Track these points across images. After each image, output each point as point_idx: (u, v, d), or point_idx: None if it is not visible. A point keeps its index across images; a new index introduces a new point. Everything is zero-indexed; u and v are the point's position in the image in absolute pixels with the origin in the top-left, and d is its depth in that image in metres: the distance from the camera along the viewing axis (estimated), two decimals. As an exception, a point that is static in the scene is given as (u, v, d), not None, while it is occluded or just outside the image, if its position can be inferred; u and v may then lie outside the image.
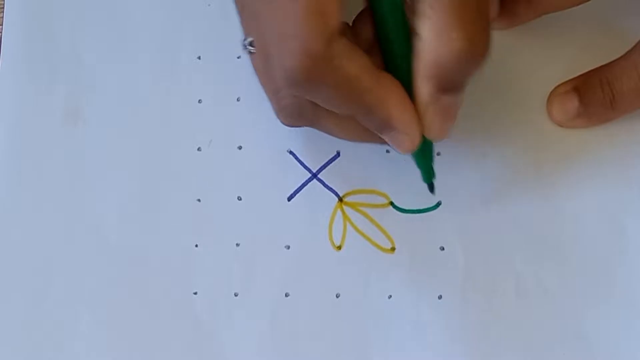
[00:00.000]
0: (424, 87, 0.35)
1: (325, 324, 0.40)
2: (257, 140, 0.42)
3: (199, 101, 0.43)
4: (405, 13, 0.35)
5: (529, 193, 0.41)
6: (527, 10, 0.41)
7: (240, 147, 0.42)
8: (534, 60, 0.42)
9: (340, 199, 0.41)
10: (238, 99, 0.43)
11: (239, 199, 0.42)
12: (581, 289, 0.40)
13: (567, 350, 0.39)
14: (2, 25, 0.44)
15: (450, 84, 0.35)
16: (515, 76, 0.42)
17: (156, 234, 0.41)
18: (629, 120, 0.41)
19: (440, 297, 0.40)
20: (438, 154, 0.42)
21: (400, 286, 0.40)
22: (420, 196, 0.41)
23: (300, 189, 0.41)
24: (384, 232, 0.41)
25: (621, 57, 0.40)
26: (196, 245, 0.41)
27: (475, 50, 0.33)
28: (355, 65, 0.33)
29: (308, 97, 0.35)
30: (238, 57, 0.43)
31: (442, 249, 0.41)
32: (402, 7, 0.35)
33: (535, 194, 0.41)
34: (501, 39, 0.43)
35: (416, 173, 0.39)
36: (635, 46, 0.40)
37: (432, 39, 0.33)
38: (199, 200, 0.42)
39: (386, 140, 0.37)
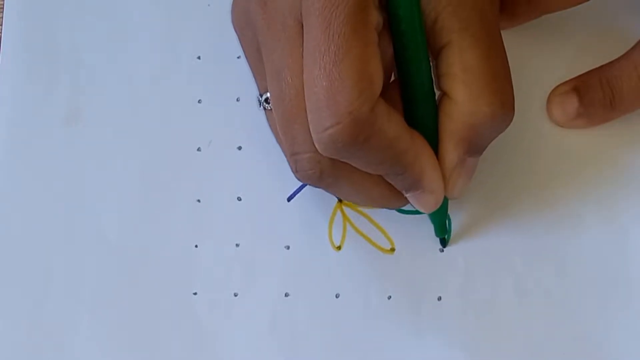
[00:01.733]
0: (453, 149, 0.35)
1: (325, 324, 0.40)
2: (257, 140, 0.42)
3: (199, 101, 0.43)
4: (431, 72, 0.35)
5: (528, 193, 0.41)
6: (527, 10, 0.41)
7: (240, 148, 0.42)
8: (534, 60, 0.42)
9: (340, 199, 0.41)
10: (238, 99, 0.43)
11: (239, 199, 0.42)
12: (581, 290, 0.40)
13: (567, 350, 0.39)
14: (1, 25, 0.44)
15: (479, 147, 0.36)
16: (515, 76, 0.42)
17: (156, 234, 0.41)
18: (629, 120, 0.41)
19: (439, 298, 0.40)
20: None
21: (400, 286, 0.40)
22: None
23: (300, 189, 0.41)
24: (384, 232, 0.41)
25: (621, 57, 0.40)
26: (196, 246, 0.41)
27: (506, 114, 0.34)
28: (395, 127, 0.33)
29: (345, 160, 0.34)
30: (238, 57, 0.43)
31: (442, 249, 0.41)
32: (429, 65, 0.35)
33: (535, 194, 0.41)
34: (501, 39, 0.43)
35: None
36: (635, 46, 0.40)
37: (468, 103, 0.34)
38: (198, 200, 0.42)
39: (409, 199, 0.37)
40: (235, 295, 0.41)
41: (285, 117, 0.35)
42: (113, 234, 0.41)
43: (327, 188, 0.37)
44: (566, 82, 0.41)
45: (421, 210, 0.37)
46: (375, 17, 0.33)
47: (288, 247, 0.41)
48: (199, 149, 0.42)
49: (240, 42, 0.38)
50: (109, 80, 0.43)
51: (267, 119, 0.39)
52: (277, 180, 0.41)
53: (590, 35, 0.43)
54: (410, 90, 0.35)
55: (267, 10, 0.35)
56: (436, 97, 0.35)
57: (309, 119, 0.33)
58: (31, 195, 0.42)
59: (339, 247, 0.41)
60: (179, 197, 0.42)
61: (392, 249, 0.41)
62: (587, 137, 0.42)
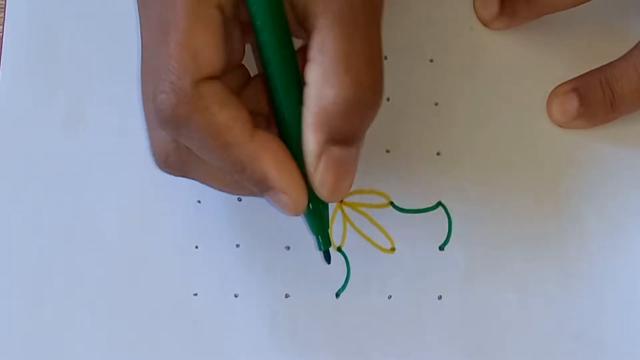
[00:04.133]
0: (311, 137, 0.32)
1: (325, 325, 0.40)
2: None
3: (199, 102, 0.43)
4: (295, 66, 0.34)
5: (528, 193, 0.41)
6: (527, 11, 0.41)
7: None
8: (534, 60, 0.42)
9: (340, 199, 0.41)
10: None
11: (239, 199, 0.42)
12: (581, 289, 0.40)
13: (567, 350, 0.39)
14: (2, 25, 0.44)
15: (341, 134, 0.32)
16: (515, 76, 0.42)
17: (156, 235, 0.41)
18: (629, 120, 0.41)
19: (440, 297, 0.40)
20: (438, 153, 0.42)
21: (400, 286, 0.40)
22: (420, 196, 0.41)
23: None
24: (384, 232, 0.41)
25: (621, 57, 0.40)
26: (196, 247, 0.41)
27: (363, 96, 0.31)
28: (227, 114, 0.32)
29: (177, 138, 0.33)
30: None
31: (442, 249, 0.41)
32: (294, 60, 0.34)
33: (535, 194, 0.41)
34: (501, 39, 0.43)
35: (416, 173, 0.39)
36: (635, 47, 0.40)
37: (320, 85, 0.31)
38: (199, 201, 0.42)
39: (270, 202, 0.34)
40: (236, 296, 0.41)
41: (142, 95, 0.35)
42: (113, 234, 0.41)
43: (181, 174, 0.36)
44: (566, 82, 0.41)
45: (285, 213, 0.34)
46: None
47: (288, 248, 0.41)
48: (199, 150, 0.42)
49: None
50: (109, 83, 0.43)
51: None
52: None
53: (590, 35, 0.43)
54: (268, 83, 0.34)
55: None
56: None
57: (148, 89, 0.33)
58: (31, 196, 0.42)
59: (339, 247, 0.41)
60: (179, 197, 0.42)
61: (392, 249, 0.41)
62: (587, 137, 0.42)
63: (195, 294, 0.41)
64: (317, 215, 0.36)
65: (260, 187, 0.34)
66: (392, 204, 0.41)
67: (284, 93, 0.33)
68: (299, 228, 0.41)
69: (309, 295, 0.41)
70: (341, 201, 0.41)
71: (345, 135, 0.32)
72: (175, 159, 0.35)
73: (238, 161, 0.33)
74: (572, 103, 0.41)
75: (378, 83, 0.32)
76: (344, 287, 0.40)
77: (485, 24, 0.42)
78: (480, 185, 0.41)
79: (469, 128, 0.42)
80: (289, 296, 0.40)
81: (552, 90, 0.42)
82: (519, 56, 0.42)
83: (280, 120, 0.34)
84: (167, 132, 0.33)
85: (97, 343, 0.40)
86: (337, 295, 0.40)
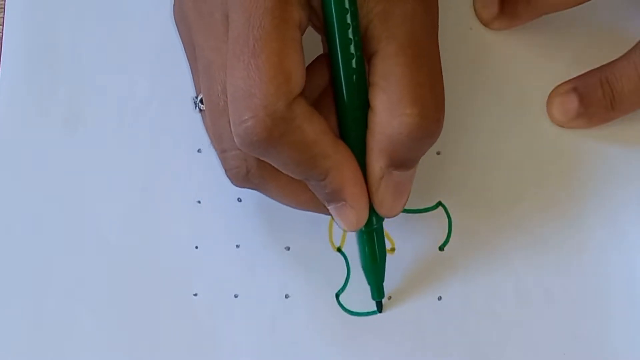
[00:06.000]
0: (376, 161, 0.34)
1: (325, 325, 0.40)
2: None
3: (199, 103, 0.43)
4: (365, 82, 0.34)
5: (528, 193, 0.41)
6: (527, 11, 0.41)
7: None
8: (534, 60, 0.42)
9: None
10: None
11: (239, 200, 0.42)
12: (581, 290, 0.40)
13: (567, 350, 0.39)
14: (2, 25, 0.44)
15: (403, 160, 0.34)
16: (515, 76, 0.42)
17: (156, 235, 0.41)
18: (629, 120, 0.41)
19: (440, 298, 0.40)
20: (438, 153, 0.42)
21: (400, 286, 0.40)
22: (420, 196, 0.41)
23: (300, 189, 0.41)
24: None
25: (621, 57, 0.40)
26: (196, 247, 0.41)
27: (428, 127, 0.33)
28: (315, 129, 0.33)
29: (262, 158, 0.34)
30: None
31: (442, 249, 0.41)
32: (362, 76, 0.34)
33: (535, 194, 0.41)
34: (501, 39, 0.43)
35: (416, 173, 0.39)
36: (635, 46, 0.40)
37: (386, 113, 0.32)
38: (199, 201, 0.42)
39: (332, 213, 0.36)
40: (236, 296, 0.41)
41: (213, 113, 0.35)
42: (114, 235, 0.41)
43: (257, 188, 0.36)
44: (566, 82, 0.41)
45: (344, 227, 0.36)
46: (298, 14, 0.32)
47: (288, 248, 0.41)
48: (199, 151, 0.42)
49: (179, 37, 0.38)
50: (109, 82, 0.43)
51: (203, 120, 0.38)
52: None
53: (590, 35, 0.43)
54: (339, 98, 0.34)
55: (197, 4, 0.35)
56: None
57: (229, 112, 0.33)
58: (32, 196, 0.42)
59: (339, 248, 0.41)
60: (179, 198, 0.42)
61: (392, 249, 0.41)
62: (587, 137, 0.42)
63: (195, 294, 0.41)
64: (376, 269, 0.38)
65: (332, 197, 0.35)
66: (392, 204, 0.41)
67: (351, 115, 0.34)
68: (299, 228, 0.41)
69: (309, 295, 0.41)
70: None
71: (405, 161, 0.34)
72: (256, 175, 0.35)
73: (322, 172, 0.34)
74: (572, 103, 0.41)
75: (441, 114, 0.33)
76: (344, 287, 0.40)
77: (485, 24, 0.42)
78: (481, 185, 0.41)
79: (469, 128, 0.42)
80: (289, 296, 0.40)
81: (552, 90, 0.42)
82: (519, 56, 0.42)
83: (344, 132, 0.35)
84: (253, 152, 0.33)
85: (97, 343, 0.40)
86: (337, 295, 0.40)
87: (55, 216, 0.42)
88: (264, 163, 0.34)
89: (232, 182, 0.37)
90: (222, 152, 0.35)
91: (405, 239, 0.41)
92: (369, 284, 0.39)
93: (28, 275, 0.41)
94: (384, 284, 0.39)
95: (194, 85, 0.38)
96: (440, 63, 0.34)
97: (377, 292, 0.39)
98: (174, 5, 0.38)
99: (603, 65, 0.41)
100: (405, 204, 0.36)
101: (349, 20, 0.33)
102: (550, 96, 0.42)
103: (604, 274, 0.40)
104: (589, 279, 0.40)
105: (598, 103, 0.41)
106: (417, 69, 0.32)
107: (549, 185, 0.41)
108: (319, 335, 0.40)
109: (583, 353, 0.39)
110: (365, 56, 0.34)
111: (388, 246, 0.41)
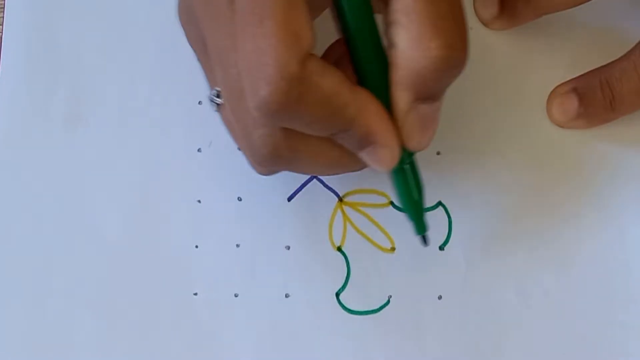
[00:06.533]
0: (402, 96, 0.34)
1: (325, 325, 0.40)
2: (257, 140, 0.42)
3: (199, 102, 0.43)
4: (376, 24, 0.34)
5: (528, 193, 0.41)
6: (527, 11, 0.41)
7: (240, 148, 0.42)
8: (534, 60, 0.42)
9: (340, 199, 0.41)
10: (238, 99, 0.43)
11: (239, 199, 0.42)
12: (581, 289, 0.40)
13: (567, 350, 0.39)
14: (2, 25, 0.44)
15: (430, 93, 0.34)
16: (515, 76, 0.42)
17: (157, 234, 0.41)
18: (629, 120, 0.41)
19: (440, 297, 0.40)
20: (438, 153, 0.42)
21: (400, 286, 0.41)
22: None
23: (300, 189, 0.41)
24: (384, 232, 0.41)
25: (621, 57, 0.40)
26: (196, 246, 0.41)
27: (454, 57, 0.33)
28: (331, 81, 0.32)
29: (286, 124, 0.33)
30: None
31: (442, 249, 0.41)
32: (373, 19, 0.34)
33: (535, 194, 0.41)
34: (501, 39, 0.43)
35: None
36: (635, 47, 0.40)
37: (410, 48, 0.32)
38: (199, 201, 0.42)
39: (365, 159, 0.35)
40: (236, 295, 0.41)
41: (233, 98, 0.34)
42: (113, 234, 0.41)
43: (288, 165, 0.36)
44: (566, 82, 0.41)
45: (380, 168, 0.35)
46: None
47: (288, 247, 0.41)
48: (199, 150, 0.42)
49: (187, 39, 0.38)
50: (109, 82, 0.43)
51: (221, 117, 0.38)
52: (277, 180, 0.41)
53: (590, 35, 0.43)
54: (354, 47, 0.34)
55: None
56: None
57: (246, 89, 0.32)
58: (32, 196, 0.42)
59: (339, 247, 0.41)
60: (179, 197, 0.42)
61: (392, 249, 0.41)
62: (587, 137, 0.42)
63: (195, 294, 0.41)
64: (415, 203, 0.37)
65: (363, 143, 0.34)
66: (392, 203, 0.41)
67: (367, 54, 0.34)
68: (299, 228, 0.41)
69: (309, 294, 0.41)
70: (341, 200, 0.41)
71: (433, 93, 0.34)
72: (284, 147, 0.35)
73: (347, 121, 0.33)
74: (572, 103, 0.41)
75: (465, 43, 0.33)
76: (344, 287, 0.40)
77: (485, 24, 0.42)
78: (480, 185, 0.41)
79: (469, 128, 0.42)
80: (289, 296, 0.40)
81: (552, 90, 0.42)
82: (519, 56, 0.42)
83: (363, 78, 0.35)
84: (276, 120, 0.33)
85: (97, 343, 0.40)
86: (337, 294, 0.40)
87: (55, 216, 0.42)
88: (289, 133, 0.34)
89: (260, 171, 0.36)
90: (246, 137, 0.35)
91: (405, 239, 0.41)
92: (411, 219, 0.38)
93: (28, 275, 0.41)
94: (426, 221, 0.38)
95: (207, 83, 0.38)
96: None
97: (420, 227, 0.38)
98: (178, 6, 0.38)
99: (603, 66, 0.41)
100: (433, 136, 0.35)
101: None
102: (550, 96, 0.42)
103: (604, 273, 0.40)
104: (588, 279, 0.40)
105: (598, 103, 0.41)
106: (438, 1, 0.32)
107: (548, 185, 0.41)
108: (319, 334, 0.40)
109: (583, 353, 0.39)
110: None
111: (388, 246, 0.41)
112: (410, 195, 0.37)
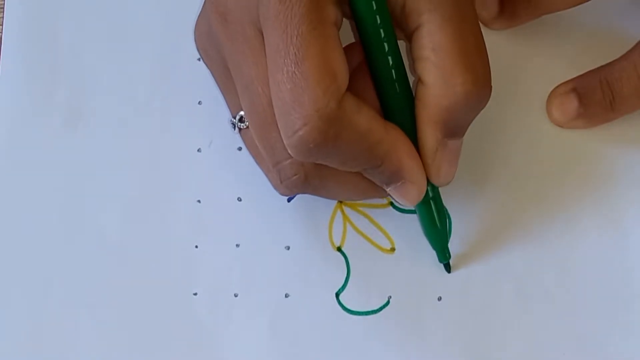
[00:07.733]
0: (431, 134, 0.34)
1: (325, 325, 0.40)
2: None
3: (199, 102, 0.43)
4: (401, 59, 0.35)
5: (528, 193, 0.41)
6: (527, 11, 0.41)
7: (240, 148, 0.42)
8: (534, 60, 0.42)
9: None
10: (238, 100, 0.43)
11: (239, 199, 0.42)
12: (581, 290, 0.40)
13: (567, 350, 0.39)
14: (2, 25, 0.44)
15: (457, 129, 0.35)
16: (515, 76, 0.42)
17: (156, 234, 0.41)
18: (629, 120, 0.41)
19: (440, 298, 0.40)
20: (438, 153, 0.42)
21: (400, 286, 0.40)
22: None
23: (301, 189, 0.41)
24: (384, 232, 0.41)
25: (621, 57, 0.40)
26: (196, 246, 0.41)
27: (481, 92, 0.33)
28: (365, 118, 0.33)
29: (320, 161, 0.34)
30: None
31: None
32: (400, 56, 0.34)
33: (535, 194, 0.41)
34: (501, 39, 0.43)
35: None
36: (635, 47, 0.40)
37: (439, 85, 0.33)
38: (199, 201, 0.42)
39: (392, 193, 0.36)
40: (236, 295, 0.41)
41: (262, 128, 0.35)
42: (113, 234, 0.41)
43: (315, 191, 0.37)
44: (566, 82, 0.41)
45: (406, 204, 0.36)
46: (333, 12, 0.32)
47: (288, 248, 0.41)
48: (199, 150, 0.42)
49: (206, 64, 0.38)
50: (109, 81, 0.43)
51: (244, 140, 0.38)
52: (277, 180, 0.41)
53: (590, 35, 0.43)
54: (379, 81, 0.35)
55: (228, 25, 0.35)
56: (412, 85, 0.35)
57: (278, 125, 0.33)
58: (32, 196, 0.42)
59: (339, 247, 0.41)
60: (179, 197, 0.42)
61: (392, 249, 0.41)
62: (587, 138, 0.42)
63: (195, 294, 0.41)
64: (438, 233, 0.38)
65: (391, 179, 0.35)
66: (392, 204, 0.41)
67: (391, 88, 0.35)
68: (299, 228, 0.41)
69: (309, 295, 0.41)
70: (341, 201, 0.41)
71: (460, 129, 0.35)
72: (315, 177, 0.36)
73: (379, 157, 0.34)
74: (572, 103, 0.41)
75: (489, 75, 0.34)
76: (344, 287, 0.40)
77: (485, 24, 0.42)
78: (480, 185, 0.41)
79: (469, 128, 0.42)
80: (289, 296, 0.40)
81: (552, 90, 0.42)
82: (519, 56, 0.42)
83: (389, 113, 0.35)
84: (311, 159, 0.34)
85: (97, 342, 0.40)
86: (337, 294, 0.40)
87: (55, 216, 0.42)
88: (319, 165, 0.35)
89: (284, 193, 0.37)
90: (275, 165, 0.35)
91: (405, 239, 0.41)
92: (434, 248, 0.39)
93: (28, 275, 0.41)
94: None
95: (228, 108, 0.38)
96: (479, 26, 0.34)
97: (443, 255, 0.39)
98: (195, 28, 0.38)
99: (603, 66, 0.41)
100: (456, 170, 0.37)
101: (377, 5, 0.33)
102: (549, 96, 0.42)
103: (604, 273, 0.40)
104: (588, 279, 0.40)
105: (597, 104, 0.40)
106: (464, 37, 0.33)
107: (548, 185, 0.41)
108: (319, 334, 0.40)
109: (583, 353, 0.39)
110: (405, 32, 0.34)
111: (388, 246, 0.41)
112: (434, 226, 0.38)
